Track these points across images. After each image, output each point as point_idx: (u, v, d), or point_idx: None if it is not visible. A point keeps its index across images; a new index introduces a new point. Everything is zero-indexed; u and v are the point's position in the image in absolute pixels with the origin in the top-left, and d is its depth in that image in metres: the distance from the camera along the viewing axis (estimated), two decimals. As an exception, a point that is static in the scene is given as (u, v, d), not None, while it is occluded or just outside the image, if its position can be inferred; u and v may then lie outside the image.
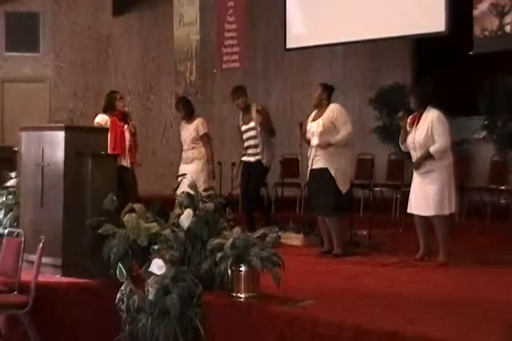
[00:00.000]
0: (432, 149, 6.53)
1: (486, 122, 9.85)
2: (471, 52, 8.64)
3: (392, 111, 10.81)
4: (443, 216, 6.60)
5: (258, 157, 8.27)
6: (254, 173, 8.30)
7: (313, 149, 7.10)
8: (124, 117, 7.93)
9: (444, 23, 9.00)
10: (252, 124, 8.28)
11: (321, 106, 7.18)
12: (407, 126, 6.76)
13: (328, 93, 7.20)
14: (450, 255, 6.59)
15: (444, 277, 6.04)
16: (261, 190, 8.61)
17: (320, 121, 7.06)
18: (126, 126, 7.83)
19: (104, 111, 7.91)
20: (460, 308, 4.75)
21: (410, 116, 6.80)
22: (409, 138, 6.72)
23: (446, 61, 9.96)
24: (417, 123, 6.68)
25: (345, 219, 7.27)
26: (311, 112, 7.33)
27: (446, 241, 6.60)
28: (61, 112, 12.90)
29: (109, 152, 7.28)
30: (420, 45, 10.79)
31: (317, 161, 7.06)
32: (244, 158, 8.43)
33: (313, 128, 7.11)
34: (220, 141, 11.38)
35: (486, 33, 8.50)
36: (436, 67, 10.16)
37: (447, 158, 6.63)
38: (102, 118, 7.85)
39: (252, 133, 8.29)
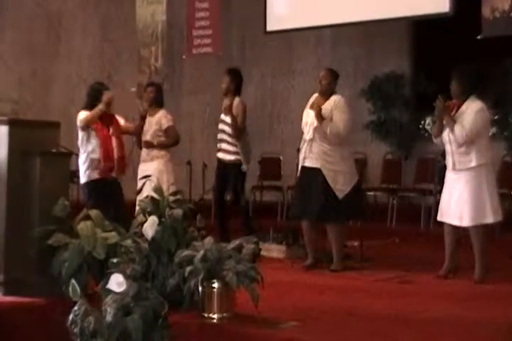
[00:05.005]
0: (457, 128, 6.41)
1: (496, 117, 9.92)
2: (478, 37, 8.71)
3: (387, 104, 10.89)
4: (482, 225, 6.46)
5: (235, 157, 8.27)
6: (232, 178, 8.30)
7: (306, 144, 7.12)
8: (110, 117, 7.58)
9: (449, 3, 9.09)
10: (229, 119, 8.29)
11: (324, 94, 7.17)
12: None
13: (330, 80, 7.17)
14: (487, 272, 6.49)
15: (449, 295, 6.03)
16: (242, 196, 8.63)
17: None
18: (111, 130, 7.52)
19: (86, 109, 7.46)
20: (468, 333, 4.78)
21: (446, 104, 6.58)
22: (445, 131, 6.58)
23: (450, 47, 10.04)
24: (455, 113, 6.53)
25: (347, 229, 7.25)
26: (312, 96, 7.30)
27: (484, 255, 6.49)
28: (4, 103, 12.82)
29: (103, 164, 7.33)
30: (421, 28, 10.87)
31: (311, 158, 7.08)
32: (220, 155, 8.42)
33: (310, 117, 7.11)
34: (189, 138, 11.38)
35: (497, 13, 8.59)
36: (438, 54, 10.23)
37: (486, 155, 6.50)
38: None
39: (228, 128, 8.30)
